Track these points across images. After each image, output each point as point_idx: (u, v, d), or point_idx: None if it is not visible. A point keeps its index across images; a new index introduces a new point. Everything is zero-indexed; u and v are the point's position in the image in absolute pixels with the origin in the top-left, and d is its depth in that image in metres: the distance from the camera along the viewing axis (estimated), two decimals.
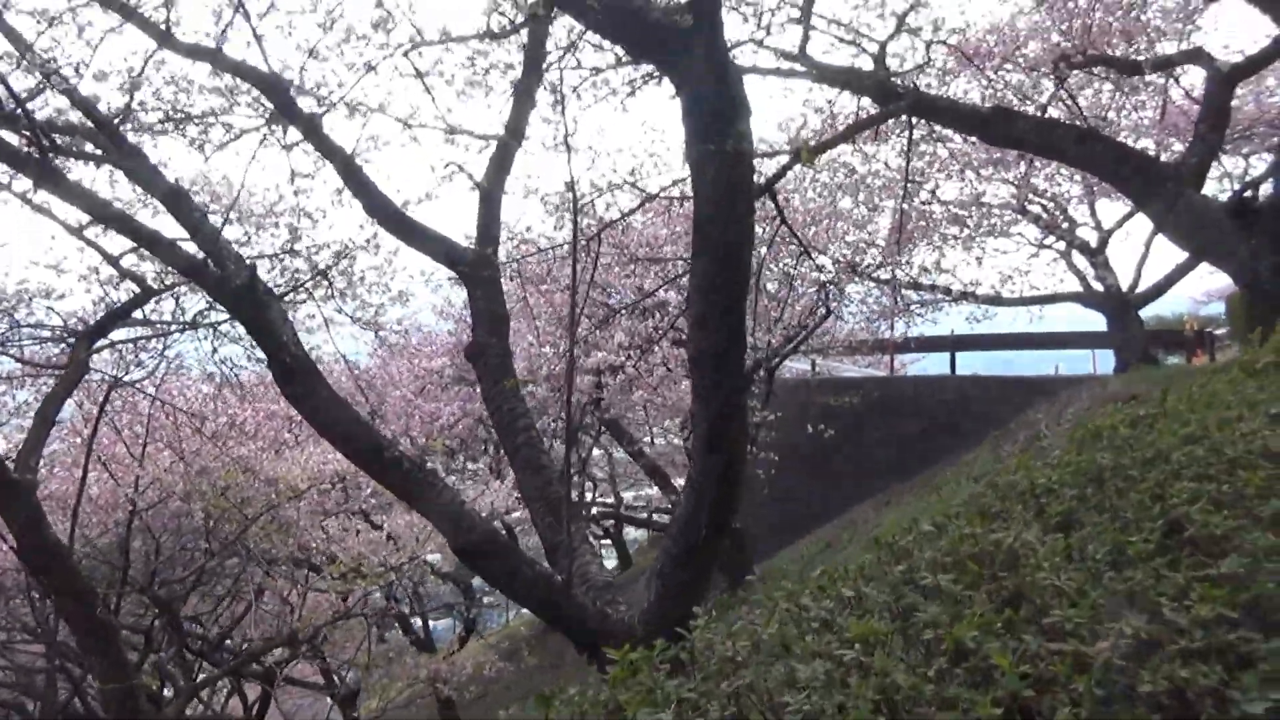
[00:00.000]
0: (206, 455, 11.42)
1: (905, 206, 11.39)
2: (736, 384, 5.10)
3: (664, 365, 13.39)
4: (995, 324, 19.12)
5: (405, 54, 7.80)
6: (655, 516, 25.38)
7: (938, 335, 20.78)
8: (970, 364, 21.58)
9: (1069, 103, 13.21)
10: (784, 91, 13.09)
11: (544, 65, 7.32)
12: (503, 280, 13.71)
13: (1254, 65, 8.70)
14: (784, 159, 11.07)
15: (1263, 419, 2.90)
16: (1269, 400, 3.25)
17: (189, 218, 5.52)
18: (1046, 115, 12.84)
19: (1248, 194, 7.04)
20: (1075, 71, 11.53)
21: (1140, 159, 8.12)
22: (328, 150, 6.46)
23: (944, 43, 11.40)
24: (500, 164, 7.13)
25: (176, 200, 5.60)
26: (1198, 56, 8.70)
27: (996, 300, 18.60)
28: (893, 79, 10.02)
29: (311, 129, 6.38)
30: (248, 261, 7.05)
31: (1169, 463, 2.59)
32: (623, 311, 11.46)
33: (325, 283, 9.21)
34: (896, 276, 18.09)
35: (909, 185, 15.74)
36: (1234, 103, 14.65)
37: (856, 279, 18.02)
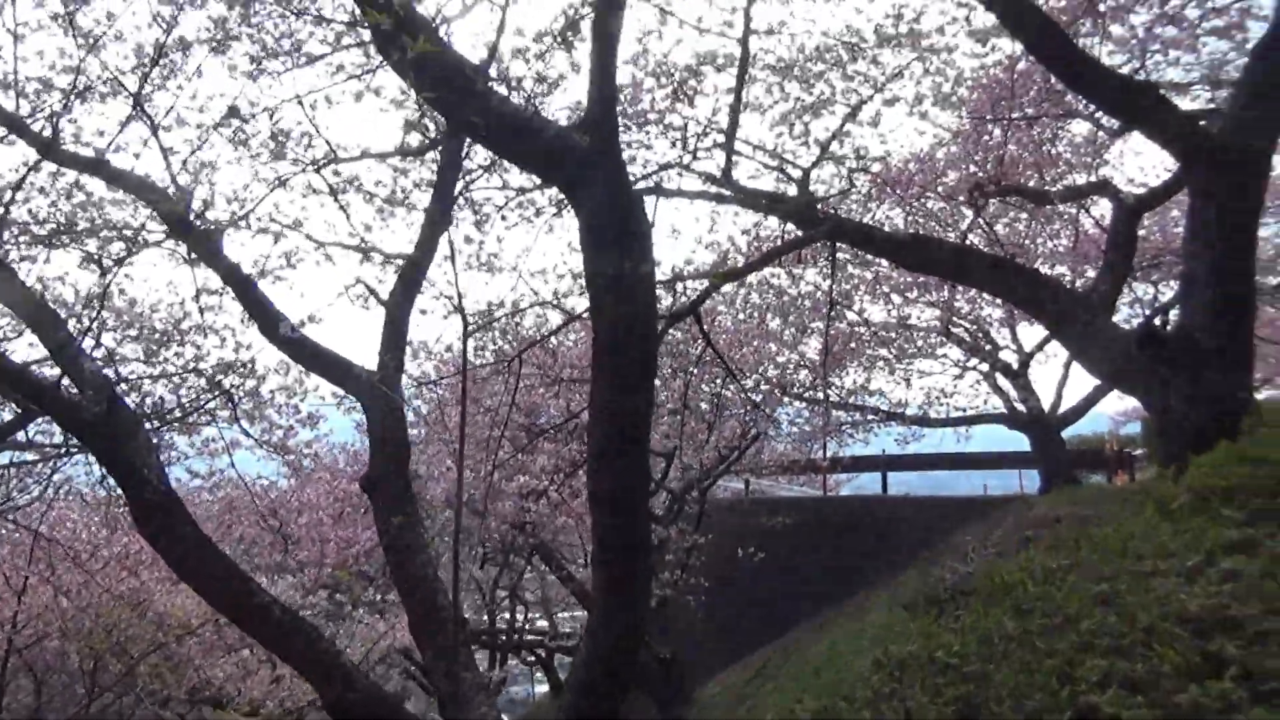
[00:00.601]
0: (95, 588, 10.60)
1: (828, 327, 11.38)
2: (639, 523, 4.80)
3: None
4: (924, 444, 19.21)
5: (318, 170, 7.66)
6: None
7: (869, 455, 20.79)
8: (903, 482, 21.58)
9: (986, 230, 13.59)
10: (712, 214, 13.27)
11: (457, 184, 7.20)
12: (426, 401, 13.38)
13: (1156, 197, 8.99)
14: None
15: (1177, 576, 2.70)
16: (1185, 549, 3.06)
17: (53, 338, 5.14)
18: (966, 242, 13.20)
19: (1155, 322, 7.09)
20: (992, 201, 11.88)
21: (1052, 286, 8.21)
22: (224, 271, 6.17)
23: (866, 170, 11.70)
24: (408, 284, 6.90)
25: (40, 319, 5.22)
26: (1104, 188, 8.98)
27: (924, 421, 18.71)
28: (816, 204, 10.17)
29: (206, 247, 6.09)
30: (136, 382, 6.63)
31: (1079, 632, 2.35)
32: (546, 434, 11.14)
33: (229, 404, 8.77)
34: (827, 397, 18.18)
35: (835, 307, 15.96)
36: (1141, 232, 15.26)
37: (787, 400, 18.09)
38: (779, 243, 9.99)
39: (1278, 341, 19.29)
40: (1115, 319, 8.33)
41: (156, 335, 8.84)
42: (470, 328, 5.45)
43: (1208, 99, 10.41)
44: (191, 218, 6.25)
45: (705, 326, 15.91)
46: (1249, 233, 7.02)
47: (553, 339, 10.97)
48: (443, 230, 6.96)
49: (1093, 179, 11.33)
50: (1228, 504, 3.73)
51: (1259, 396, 21.54)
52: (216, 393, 8.62)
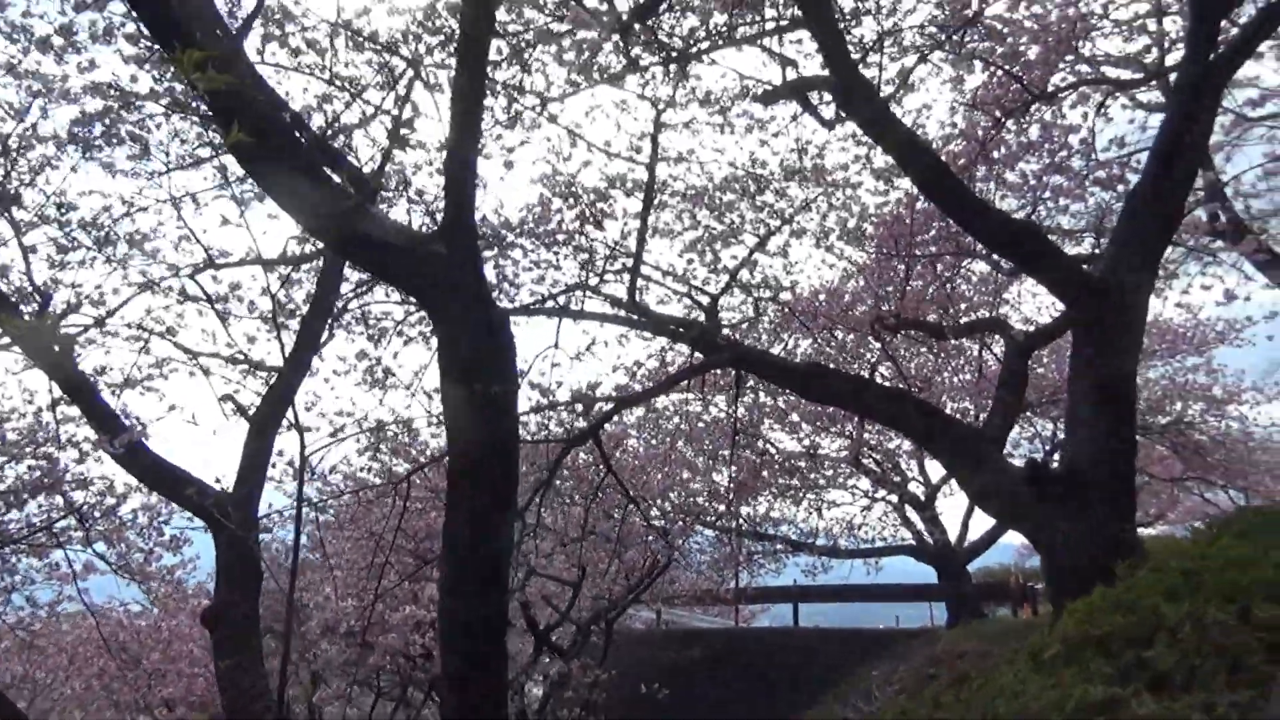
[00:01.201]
0: None
1: (731, 454, 11.21)
2: (495, 666, 4.37)
3: None
4: (832, 574, 18.99)
5: (193, 275, 7.33)
6: None
7: (781, 586, 20.45)
8: (818, 613, 21.24)
9: (894, 364, 13.76)
10: (620, 339, 13.20)
11: (338, 296, 6.93)
12: (311, 523, 12.65)
13: (1045, 336, 9.16)
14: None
15: None
16: (1050, 708, 2.82)
17: None
18: (875, 375, 13.32)
19: (1042, 459, 7.04)
20: (899, 334, 12.05)
21: (946, 421, 8.18)
22: (63, 377, 5.72)
23: (774, 300, 11.81)
24: (276, 400, 6.51)
25: None
26: (997, 325, 9.12)
27: (834, 551, 18.55)
28: (720, 331, 10.15)
29: (51, 350, 5.65)
30: None
31: None
32: (434, 562, 10.52)
33: (81, 524, 8.09)
34: (739, 526, 17.97)
35: (745, 435, 15.90)
36: (1040, 369, 15.69)
37: (698, 527, 17.80)
38: (688, 368, 9.89)
39: (1167, 479, 19.83)
40: (1020, 455, 8.30)
41: (5, 446, 8.18)
42: (322, 446, 5.08)
43: (1093, 244, 10.85)
44: (44, 318, 5.83)
45: (611, 451, 15.65)
46: (1128, 370, 7.11)
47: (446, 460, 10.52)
48: (317, 345, 6.63)
49: (991, 315, 11.59)
50: (1100, 655, 3.53)
51: (1150, 533, 22.02)
52: (68, 511, 7.95)
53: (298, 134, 4.85)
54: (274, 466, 10.51)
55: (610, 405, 9.58)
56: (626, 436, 16.40)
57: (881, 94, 7.62)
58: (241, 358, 7.56)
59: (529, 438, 10.39)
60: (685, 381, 9.91)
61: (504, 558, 4.37)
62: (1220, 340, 17.61)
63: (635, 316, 9.97)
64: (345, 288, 8.33)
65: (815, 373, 8.80)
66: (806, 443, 17.51)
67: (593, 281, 10.77)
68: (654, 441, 16.70)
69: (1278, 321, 14.47)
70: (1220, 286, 11.46)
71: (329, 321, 7.25)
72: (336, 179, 4.52)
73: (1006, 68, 8.87)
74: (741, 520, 18.03)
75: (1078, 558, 6.76)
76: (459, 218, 3.91)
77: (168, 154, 7.10)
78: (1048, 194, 10.72)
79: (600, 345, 11.79)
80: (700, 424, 16.19)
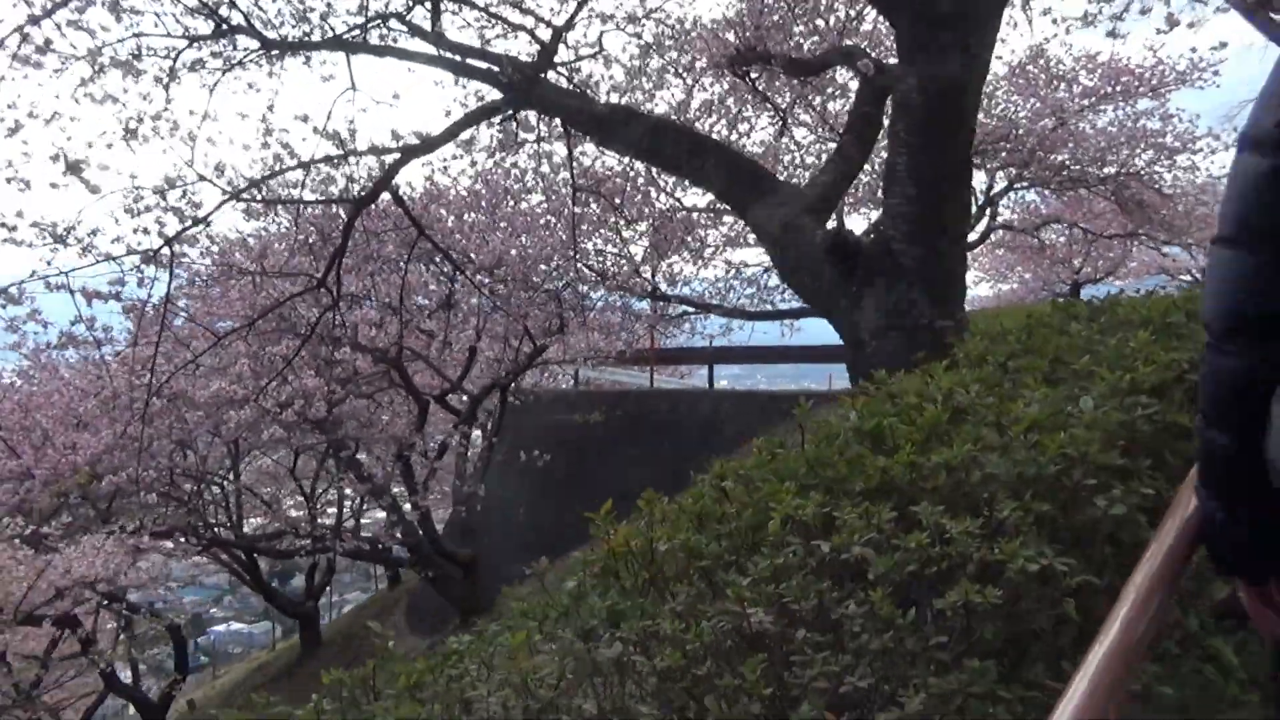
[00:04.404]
0: None
1: (573, 213, 9.88)
2: None
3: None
4: (738, 337, 18.20)
5: None
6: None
7: (697, 347, 19.70)
8: (777, 375, 20.83)
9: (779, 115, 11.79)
10: (437, 83, 10.99)
11: None
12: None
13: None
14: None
15: None
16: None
17: None
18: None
19: (848, 230, 5.65)
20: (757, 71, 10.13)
21: (755, 174, 6.68)
22: None
23: (619, 27, 9.92)
24: None
25: None
26: (846, 55, 7.36)
27: (748, 314, 17.57)
28: (551, 71, 8.40)
29: None
30: None
31: None
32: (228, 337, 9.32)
33: None
34: (654, 286, 17.05)
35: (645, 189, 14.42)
36: None
37: (603, 289, 16.85)
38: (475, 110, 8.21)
39: (1113, 235, 18.53)
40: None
41: None
42: None
43: None
44: None
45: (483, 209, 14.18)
46: (960, 112, 5.53)
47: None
48: None
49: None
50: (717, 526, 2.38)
51: (1094, 292, 20.87)
52: None
53: None
54: None
55: (397, 156, 8.03)
56: (521, 198, 14.85)
57: None
58: None
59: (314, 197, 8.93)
60: (474, 125, 8.29)
61: None
62: (1181, 81, 15.67)
63: (437, 53, 8.18)
64: None
65: (616, 115, 7.17)
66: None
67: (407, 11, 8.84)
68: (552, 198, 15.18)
69: (1245, 55, 12.51)
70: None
71: None
72: None
73: None
74: (652, 280, 17.07)
75: (879, 351, 5.57)
76: None
77: None
78: None
79: (428, 87, 9.95)
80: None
